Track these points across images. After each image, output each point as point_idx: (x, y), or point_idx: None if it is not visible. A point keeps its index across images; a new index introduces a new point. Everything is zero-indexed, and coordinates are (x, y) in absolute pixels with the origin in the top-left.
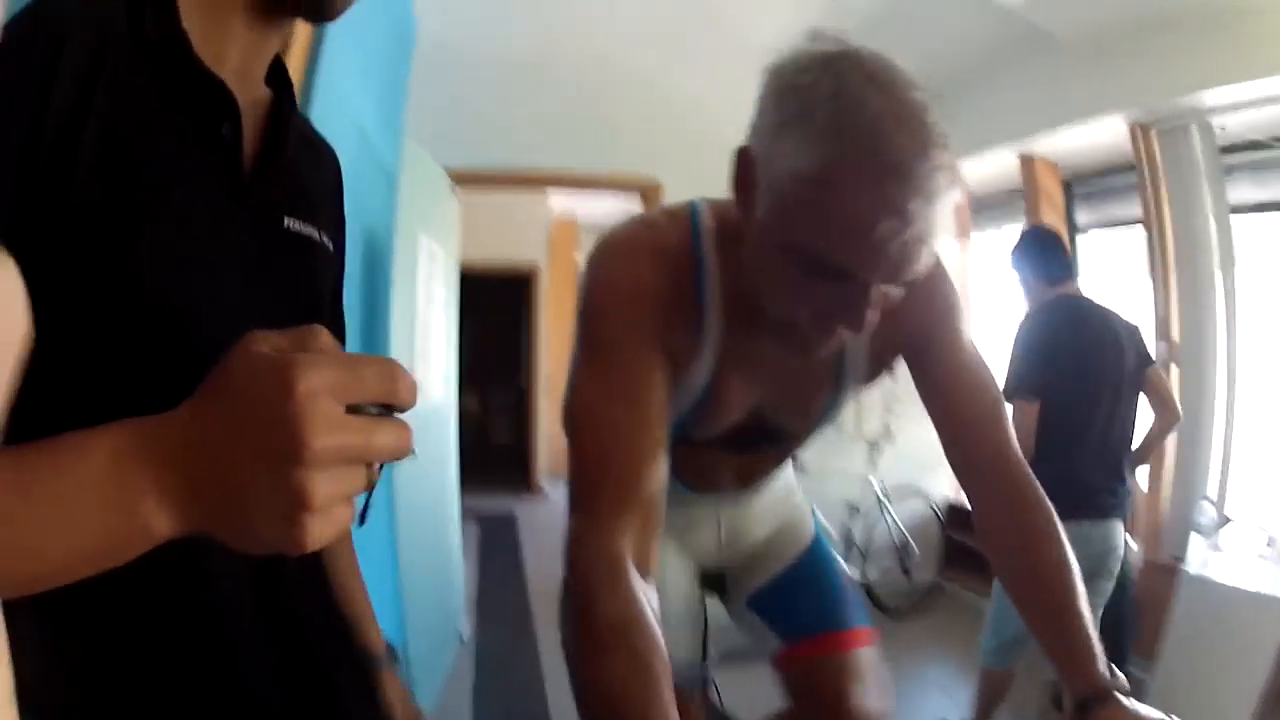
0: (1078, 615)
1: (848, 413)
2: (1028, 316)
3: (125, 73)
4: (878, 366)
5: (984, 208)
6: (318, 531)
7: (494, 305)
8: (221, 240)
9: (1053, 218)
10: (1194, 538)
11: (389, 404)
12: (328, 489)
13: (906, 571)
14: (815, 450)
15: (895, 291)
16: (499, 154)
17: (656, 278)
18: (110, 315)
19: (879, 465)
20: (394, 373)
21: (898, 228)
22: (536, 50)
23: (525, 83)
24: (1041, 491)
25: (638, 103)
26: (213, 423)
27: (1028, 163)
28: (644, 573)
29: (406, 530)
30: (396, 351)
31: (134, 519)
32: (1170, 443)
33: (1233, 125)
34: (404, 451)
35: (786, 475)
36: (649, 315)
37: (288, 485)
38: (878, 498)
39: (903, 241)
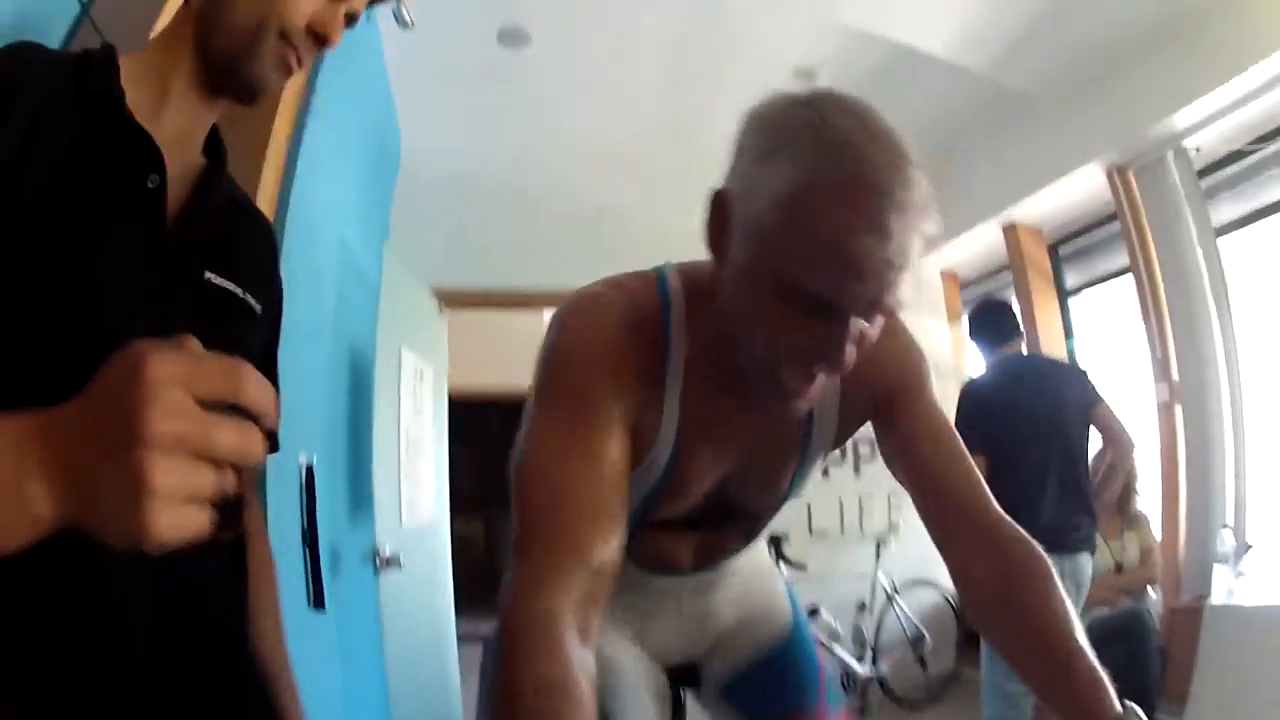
0: (1076, 653)
1: (851, 513)
2: (968, 380)
3: (66, 126)
4: (846, 430)
5: (972, 285)
6: (163, 521)
7: (496, 431)
8: (134, 284)
9: (1041, 284)
10: (1217, 570)
11: (248, 409)
12: (169, 477)
13: (922, 662)
14: (821, 553)
15: (871, 331)
16: (488, 275)
17: (622, 337)
18: (25, 341)
19: (887, 560)
20: (241, 371)
21: (875, 245)
22: (521, 174)
23: (511, 204)
24: (1023, 533)
25: (625, 227)
26: (81, 413)
27: (1010, 231)
28: (584, 644)
29: (395, 649)
30: (381, 465)
31: (22, 503)
32: (1181, 484)
33: (1207, 143)
34: (247, 453)
35: (757, 557)
36: (613, 376)
37: (128, 466)
38: (886, 592)
39: (882, 260)
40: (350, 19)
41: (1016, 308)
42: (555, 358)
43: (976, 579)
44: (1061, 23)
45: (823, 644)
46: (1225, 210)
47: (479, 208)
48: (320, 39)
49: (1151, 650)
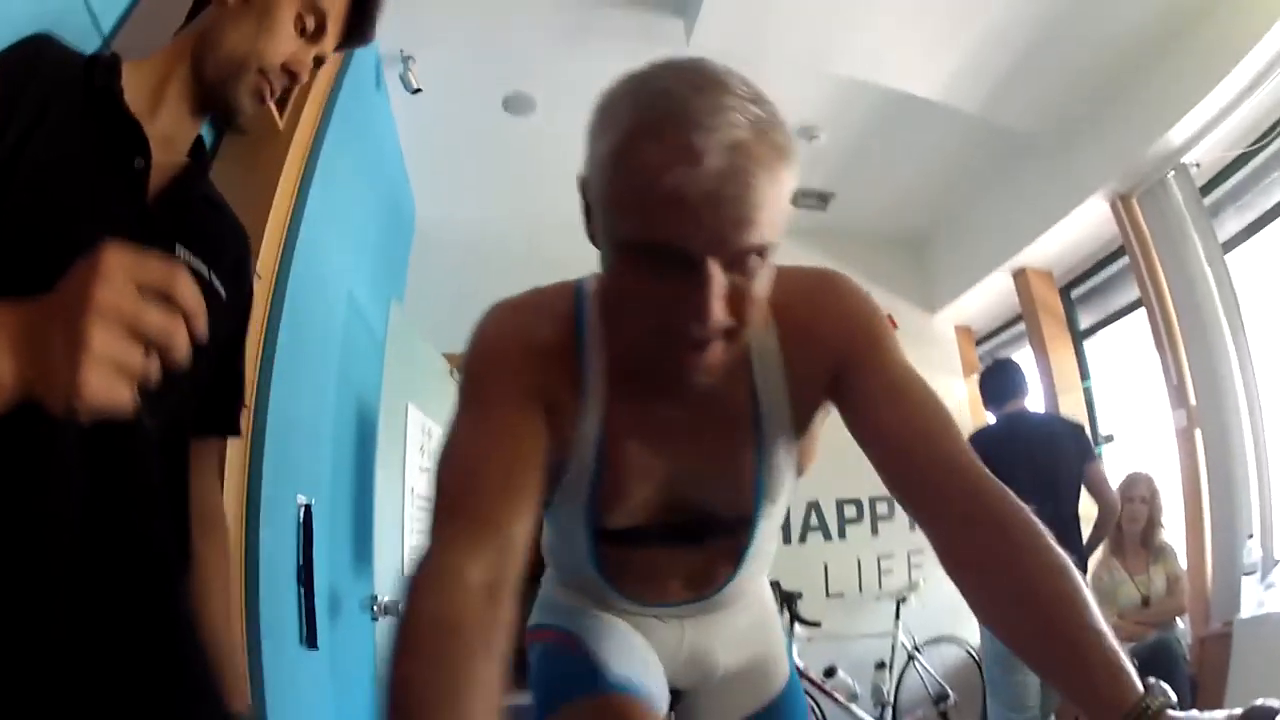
0: (1088, 627)
1: (870, 572)
2: (974, 431)
3: (70, 112)
4: (804, 409)
5: (987, 339)
6: (95, 381)
7: None
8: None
9: (1055, 328)
10: (1245, 583)
11: (180, 306)
12: (105, 344)
13: (945, 718)
14: (838, 612)
15: (748, 283)
16: None
17: (536, 331)
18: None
19: (908, 618)
20: (178, 271)
21: (690, 174)
22: (532, 239)
23: (522, 270)
24: (1006, 490)
25: None
26: (48, 297)
27: (1021, 277)
28: (491, 603)
29: None
30: (383, 515)
31: None
32: (1205, 510)
33: (1206, 157)
34: (172, 339)
35: (762, 600)
36: (526, 365)
37: (74, 330)
38: (908, 650)
39: (703, 190)
40: (318, 61)
41: (1030, 356)
42: (470, 360)
43: (963, 551)
44: (1046, 57)
45: (840, 704)
46: (1230, 223)
47: (491, 273)
48: (293, 76)
49: (1182, 679)
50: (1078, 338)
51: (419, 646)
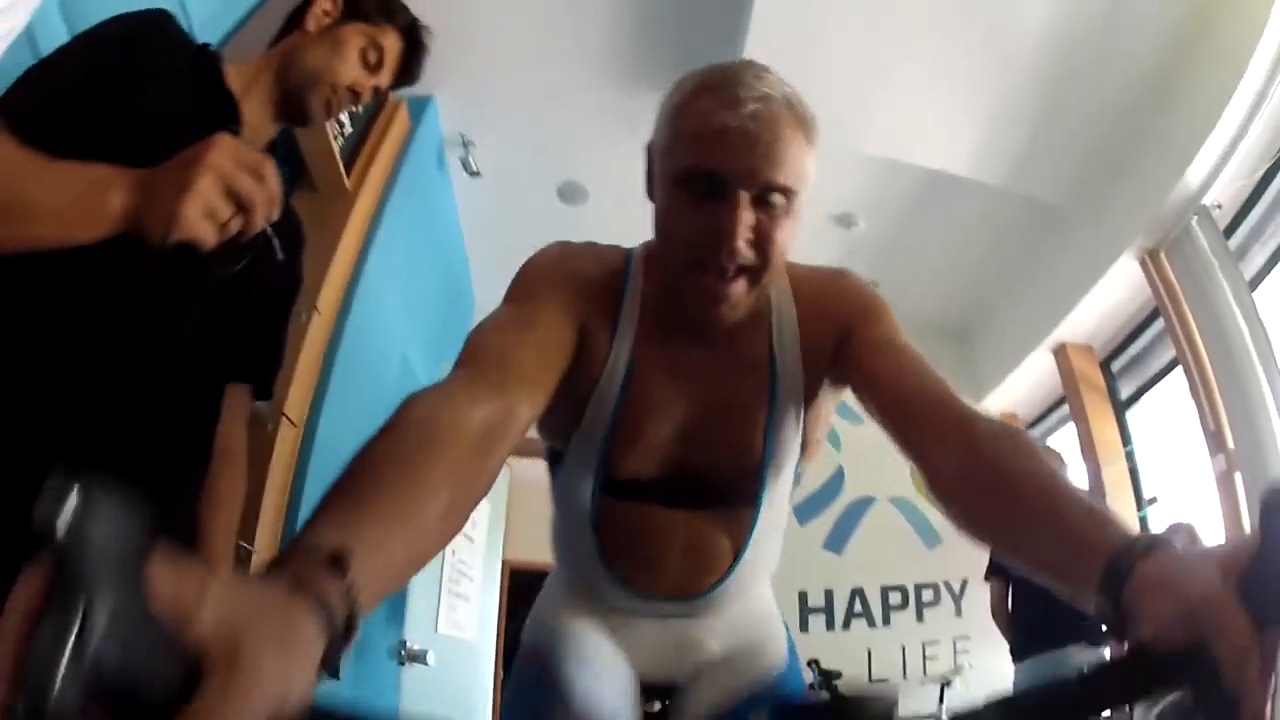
0: (1068, 496)
1: (914, 658)
2: None
3: (180, 80)
4: (814, 375)
5: (1034, 425)
6: (192, 214)
7: None
8: None
9: (1097, 401)
10: None
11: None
12: (206, 190)
13: None
14: None
15: (770, 223)
16: None
17: (587, 266)
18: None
19: (951, 702)
20: (268, 160)
21: (733, 117)
22: None
23: None
24: (998, 419)
25: None
26: (167, 162)
27: (1061, 354)
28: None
29: None
30: (421, 585)
31: (101, 198)
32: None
33: (1225, 192)
34: (256, 206)
35: (759, 597)
36: (571, 287)
37: (185, 176)
38: None
39: (742, 129)
40: (376, 92)
41: (1074, 432)
42: (521, 271)
43: (947, 471)
44: (1058, 122)
45: None
46: (1257, 259)
47: None
48: (355, 96)
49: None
50: (1119, 408)
51: (395, 432)
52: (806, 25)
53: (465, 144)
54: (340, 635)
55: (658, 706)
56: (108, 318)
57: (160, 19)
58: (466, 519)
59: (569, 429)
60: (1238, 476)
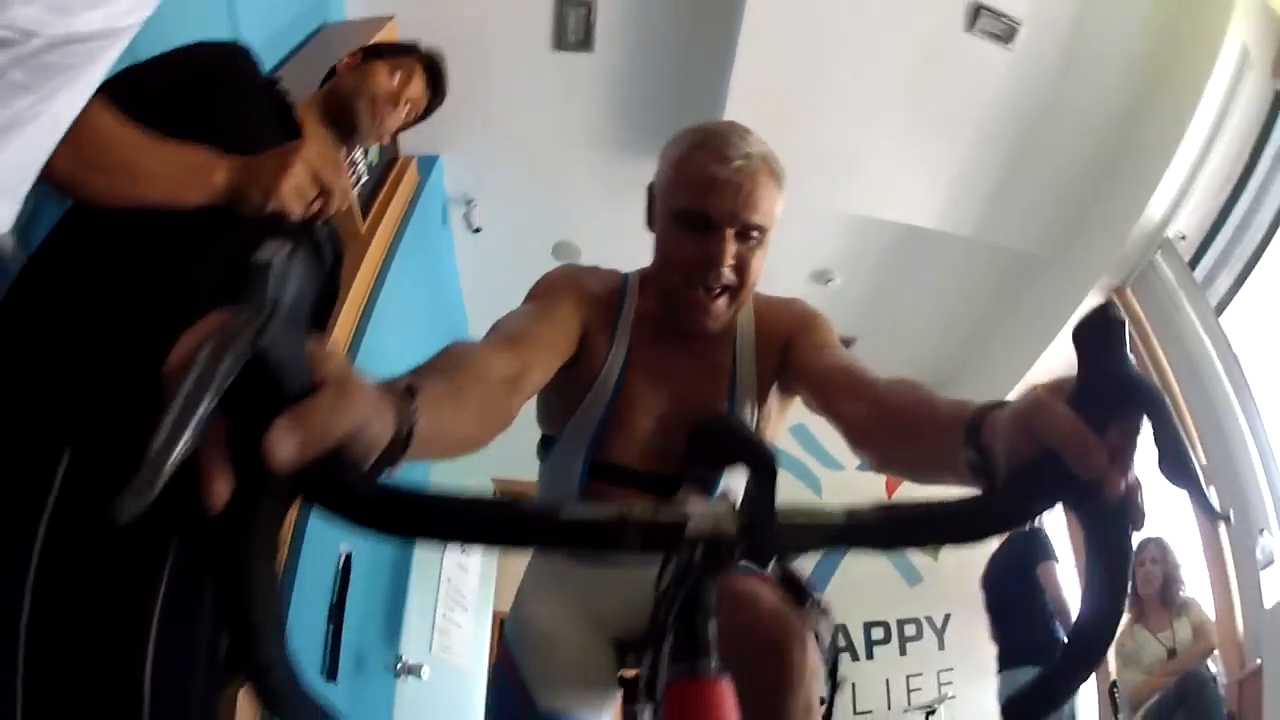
0: (942, 401)
1: (898, 691)
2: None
3: (259, 103)
4: (765, 377)
5: None
6: (286, 190)
7: None
8: None
9: None
10: (1265, 576)
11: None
12: (299, 174)
13: None
14: None
15: (749, 254)
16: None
17: (590, 281)
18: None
19: None
20: (343, 163)
21: (721, 168)
22: None
23: None
24: (903, 377)
25: None
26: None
27: None
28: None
29: None
30: (417, 603)
31: (209, 172)
32: (1228, 562)
33: (1189, 225)
34: (334, 194)
35: None
36: (577, 297)
37: (284, 161)
38: None
39: (734, 184)
40: (410, 105)
41: None
42: (535, 285)
43: (856, 419)
44: (1024, 172)
45: None
46: (1223, 283)
47: (534, 409)
48: (394, 101)
49: (1217, 708)
50: None
51: (443, 356)
52: (780, 98)
53: (468, 202)
54: (400, 441)
55: (633, 672)
56: (209, 280)
57: (244, 50)
58: (488, 441)
59: (567, 415)
60: (1211, 489)
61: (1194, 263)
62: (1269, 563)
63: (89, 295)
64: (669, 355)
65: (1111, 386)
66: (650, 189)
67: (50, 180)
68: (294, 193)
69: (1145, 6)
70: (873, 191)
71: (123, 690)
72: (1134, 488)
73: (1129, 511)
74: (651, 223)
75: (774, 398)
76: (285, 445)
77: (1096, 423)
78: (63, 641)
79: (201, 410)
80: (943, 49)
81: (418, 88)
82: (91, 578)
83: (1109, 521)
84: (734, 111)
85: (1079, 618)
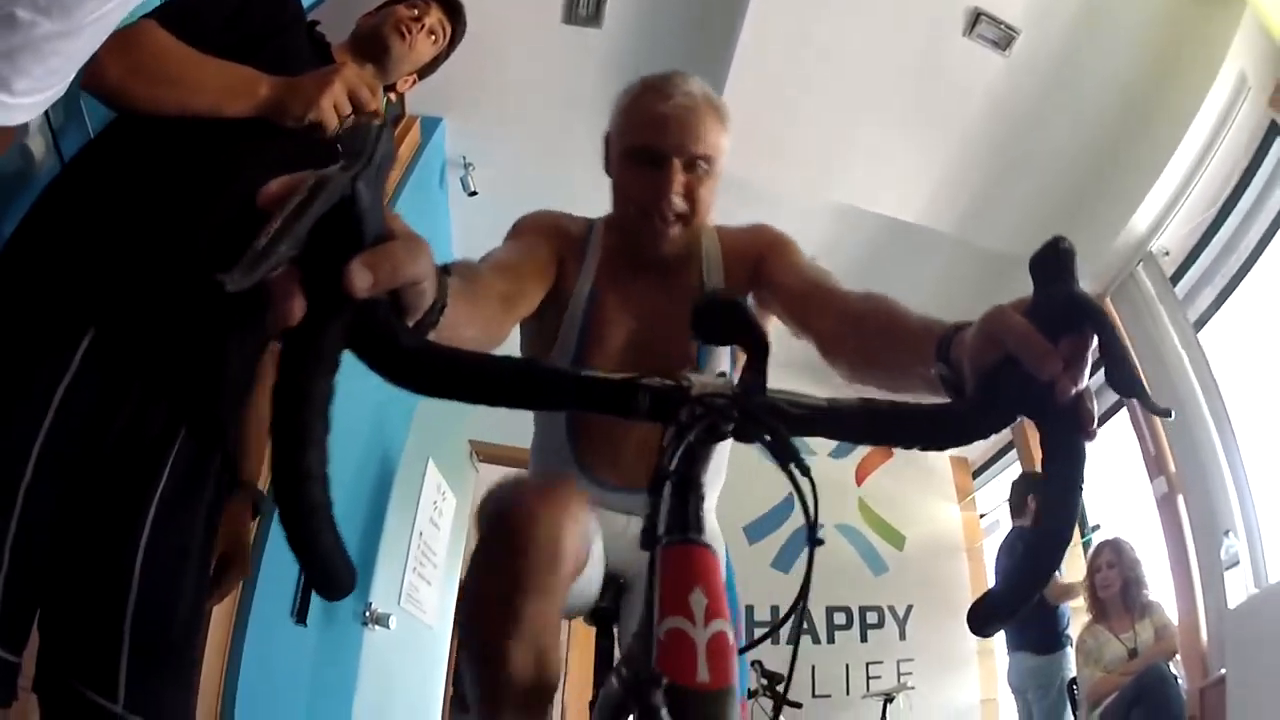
0: (910, 316)
1: (858, 677)
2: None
3: (301, 37)
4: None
5: (983, 470)
6: (325, 102)
7: None
8: None
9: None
10: (1229, 576)
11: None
12: (338, 89)
13: None
14: (824, 712)
15: (698, 182)
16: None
17: (563, 221)
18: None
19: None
20: (376, 82)
21: (665, 104)
22: None
23: None
24: (871, 291)
25: None
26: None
27: None
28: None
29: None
30: (388, 554)
31: (253, 85)
32: (1194, 570)
33: (1173, 241)
34: (366, 104)
35: (710, 517)
36: (551, 230)
37: (325, 78)
38: None
39: (677, 119)
40: (432, 33)
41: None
42: (516, 223)
43: (828, 332)
44: (1011, 174)
45: None
46: (1204, 301)
47: None
48: (416, 22)
49: (1178, 706)
50: None
51: (456, 264)
52: (779, 84)
53: (466, 165)
54: (436, 309)
55: (606, 601)
56: (242, 189)
57: None
58: (486, 348)
59: (550, 343)
60: (1180, 500)
61: (1177, 278)
62: (1233, 564)
63: (127, 194)
64: (637, 282)
65: (1063, 305)
66: (606, 137)
67: (101, 89)
68: (331, 106)
69: (1146, 25)
70: (861, 182)
71: (112, 572)
72: (1085, 395)
73: (1080, 416)
74: (609, 168)
75: None
76: (364, 275)
77: (1050, 335)
78: (60, 513)
79: (304, 221)
80: (940, 50)
81: (436, 15)
82: (97, 457)
83: (1063, 426)
84: (732, 93)
85: (1035, 525)
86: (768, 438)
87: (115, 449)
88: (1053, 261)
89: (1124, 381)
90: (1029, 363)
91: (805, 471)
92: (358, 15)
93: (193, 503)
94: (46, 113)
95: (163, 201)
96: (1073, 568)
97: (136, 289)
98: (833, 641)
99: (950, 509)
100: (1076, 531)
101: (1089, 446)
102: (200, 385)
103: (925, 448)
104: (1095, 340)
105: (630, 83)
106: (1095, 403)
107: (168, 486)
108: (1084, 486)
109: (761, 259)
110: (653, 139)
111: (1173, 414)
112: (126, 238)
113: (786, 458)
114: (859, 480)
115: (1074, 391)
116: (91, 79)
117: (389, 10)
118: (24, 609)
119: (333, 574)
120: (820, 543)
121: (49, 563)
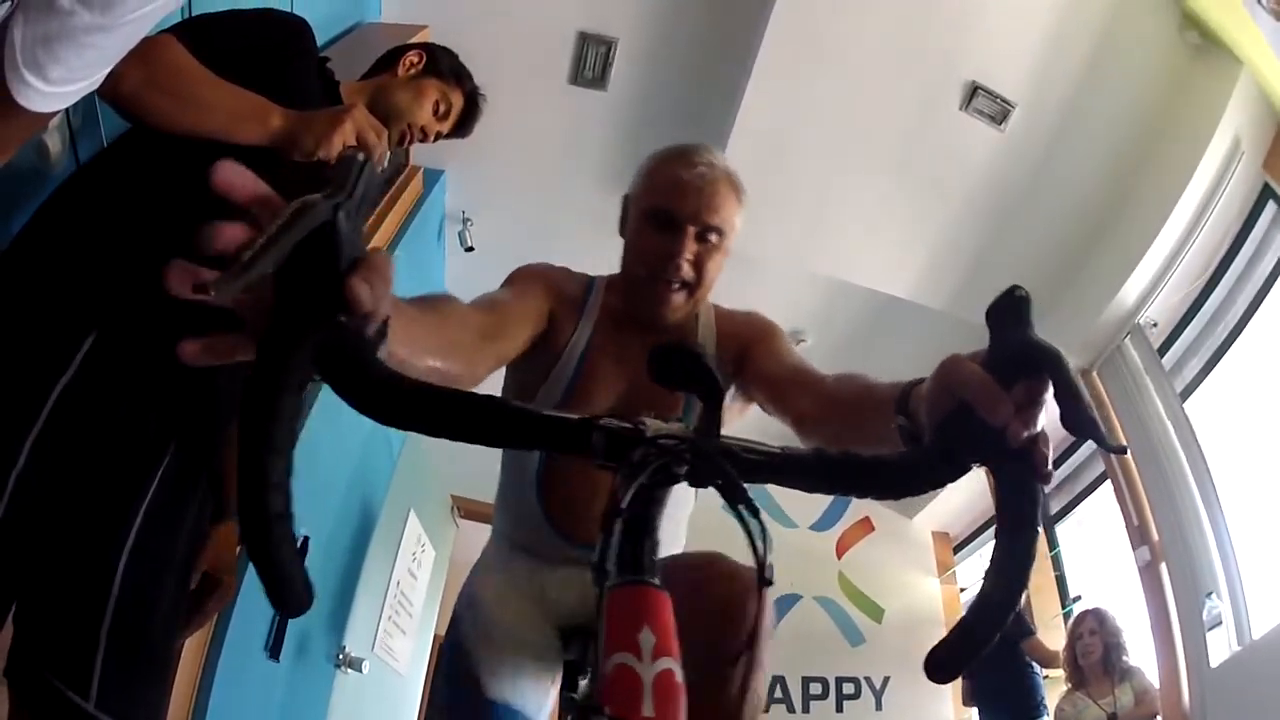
0: (877, 384)
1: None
2: None
3: (313, 73)
4: (723, 374)
5: (965, 544)
6: (335, 141)
7: None
8: None
9: None
10: (1211, 636)
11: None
12: (348, 130)
13: None
14: None
15: (707, 255)
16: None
17: (560, 274)
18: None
19: None
20: (381, 127)
21: (687, 173)
22: None
23: None
24: (849, 372)
25: None
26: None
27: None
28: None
29: None
30: (364, 604)
31: (266, 115)
32: (1176, 638)
33: (1161, 313)
34: (372, 149)
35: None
36: (547, 284)
37: (338, 117)
38: None
39: (696, 188)
40: (438, 135)
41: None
42: (513, 271)
43: (804, 410)
44: (999, 250)
45: None
46: (1190, 371)
47: None
48: (424, 136)
49: None
50: (1048, 523)
51: (430, 297)
52: (772, 156)
53: (464, 220)
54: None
55: (573, 654)
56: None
57: (309, 26)
58: (452, 381)
59: (534, 390)
60: (1163, 568)
61: (1165, 348)
62: (1216, 624)
63: (138, 204)
64: (630, 344)
65: (1017, 351)
66: (625, 199)
67: (116, 98)
68: (340, 142)
69: (1141, 93)
70: (849, 256)
71: (96, 571)
72: (1039, 439)
73: (1034, 459)
74: (623, 229)
75: (728, 399)
76: (364, 288)
77: (1005, 382)
78: (48, 506)
79: (286, 240)
80: (936, 123)
81: (449, 125)
82: (90, 457)
83: (1017, 471)
84: (730, 160)
85: (991, 570)
86: (720, 481)
87: (108, 451)
88: (1008, 309)
89: (1078, 422)
90: (981, 409)
91: (755, 513)
92: (368, 54)
93: (179, 515)
94: (66, 111)
95: (172, 215)
96: (1053, 638)
97: (140, 298)
98: (808, 711)
99: (930, 582)
100: (1057, 602)
101: (1043, 490)
102: (193, 401)
103: (879, 496)
104: (1050, 384)
105: (659, 149)
106: (1050, 446)
107: (156, 495)
108: (1039, 528)
109: (751, 345)
110: (670, 203)
111: (1128, 450)
112: (135, 246)
113: (736, 499)
114: (839, 553)
115: (1026, 435)
116: (108, 85)
117: (417, 109)
118: (1, 595)
119: (290, 585)
120: (769, 583)
121: (32, 554)
